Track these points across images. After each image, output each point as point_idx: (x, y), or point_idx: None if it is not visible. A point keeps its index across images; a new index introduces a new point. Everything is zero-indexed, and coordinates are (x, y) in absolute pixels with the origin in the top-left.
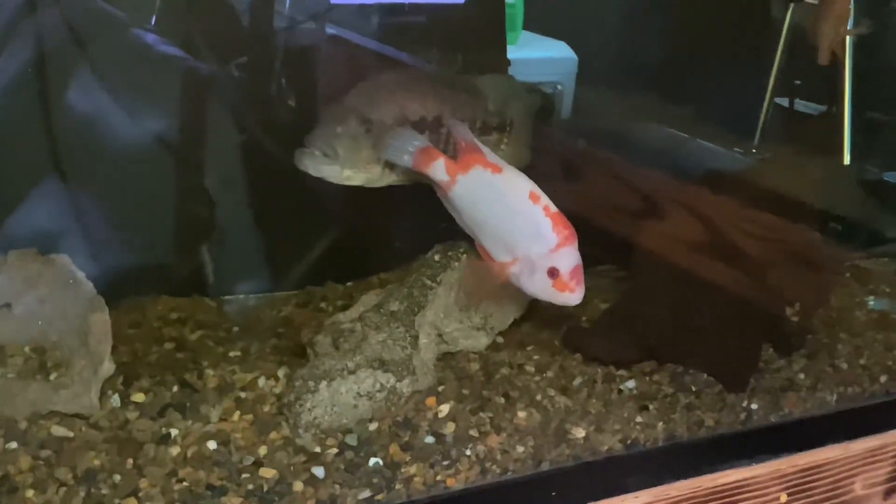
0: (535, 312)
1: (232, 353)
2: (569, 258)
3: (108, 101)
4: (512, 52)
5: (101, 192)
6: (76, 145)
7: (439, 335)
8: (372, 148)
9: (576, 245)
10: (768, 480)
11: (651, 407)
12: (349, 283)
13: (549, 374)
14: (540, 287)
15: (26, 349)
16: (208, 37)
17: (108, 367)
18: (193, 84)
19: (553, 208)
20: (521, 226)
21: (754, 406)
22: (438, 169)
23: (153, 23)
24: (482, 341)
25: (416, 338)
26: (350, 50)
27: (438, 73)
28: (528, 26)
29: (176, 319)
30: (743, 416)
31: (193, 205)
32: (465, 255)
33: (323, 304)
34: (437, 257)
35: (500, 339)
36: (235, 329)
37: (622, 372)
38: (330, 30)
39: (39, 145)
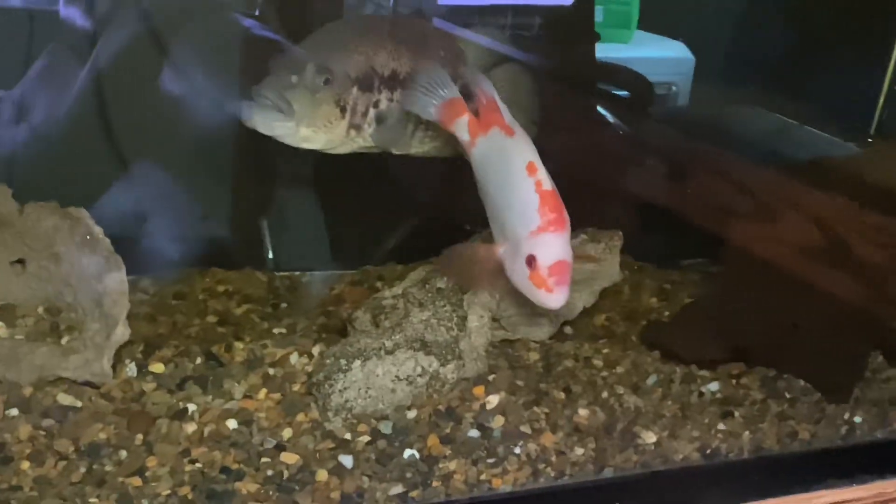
0: (609, 301)
1: (276, 330)
2: (550, 248)
3: (199, 83)
4: (627, 51)
5: (186, 171)
6: (162, 128)
7: (495, 319)
8: (334, 103)
9: (564, 236)
10: None
11: (736, 414)
12: (409, 265)
13: (619, 369)
14: (518, 277)
15: (39, 309)
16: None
17: (121, 333)
18: None
19: (547, 186)
20: (512, 200)
21: (858, 419)
22: (461, 127)
23: (258, 12)
24: (545, 329)
25: (464, 319)
26: None
27: (415, 24)
28: (647, 27)
29: (223, 292)
30: (844, 429)
31: (263, 182)
32: None
33: (378, 284)
34: None
35: (568, 330)
36: (283, 305)
37: (704, 372)
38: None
39: (123, 130)
